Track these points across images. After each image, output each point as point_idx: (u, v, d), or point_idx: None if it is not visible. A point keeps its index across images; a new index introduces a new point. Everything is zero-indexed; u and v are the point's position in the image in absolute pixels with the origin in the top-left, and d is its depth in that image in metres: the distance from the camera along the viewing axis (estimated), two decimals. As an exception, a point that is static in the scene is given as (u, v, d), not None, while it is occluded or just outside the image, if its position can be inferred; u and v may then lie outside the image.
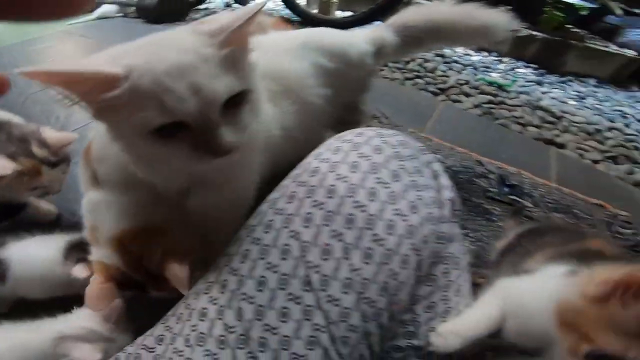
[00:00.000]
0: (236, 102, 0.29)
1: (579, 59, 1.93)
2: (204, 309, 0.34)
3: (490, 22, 0.62)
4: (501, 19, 0.63)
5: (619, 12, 1.94)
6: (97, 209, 0.43)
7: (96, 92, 0.26)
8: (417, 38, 0.63)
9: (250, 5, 0.29)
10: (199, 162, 0.30)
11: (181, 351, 0.32)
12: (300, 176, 0.36)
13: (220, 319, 0.32)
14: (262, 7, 0.28)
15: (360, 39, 0.60)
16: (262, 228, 0.34)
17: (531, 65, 1.94)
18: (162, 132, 0.28)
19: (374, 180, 0.34)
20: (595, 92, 1.84)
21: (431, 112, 1.33)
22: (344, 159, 0.34)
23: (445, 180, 0.40)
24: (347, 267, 0.32)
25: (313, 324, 0.31)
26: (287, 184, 0.37)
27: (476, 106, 1.46)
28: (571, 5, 1.86)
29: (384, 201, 0.33)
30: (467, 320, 0.40)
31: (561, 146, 1.34)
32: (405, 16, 0.63)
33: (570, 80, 1.89)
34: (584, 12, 1.90)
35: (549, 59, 1.93)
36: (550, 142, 1.35)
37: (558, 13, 1.84)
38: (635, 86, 2.04)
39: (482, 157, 1.12)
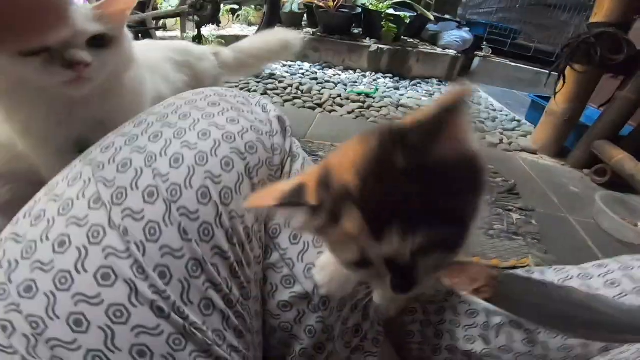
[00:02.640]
0: (103, 44, 0.41)
1: (419, 64, 2.36)
2: None
3: (286, 39, 0.88)
4: (292, 35, 0.88)
5: (432, 17, 2.50)
6: None
7: None
8: (248, 55, 0.87)
9: None
10: (55, 75, 0.38)
11: None
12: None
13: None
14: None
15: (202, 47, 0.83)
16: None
17: (387, 75, 2.28)
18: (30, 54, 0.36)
19: (176, 117, 0.31)
20: (439, 88, 2.25)
21: (311, 123, 1.43)
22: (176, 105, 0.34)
23: (272, 107, 0.38)
24: (151, 174, 0.26)
25: (105, 246, 0.23)
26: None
27: (349, 112, 1.63)
28: (398, 16, 2.32)
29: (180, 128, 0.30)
30: None
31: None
32: (241, 43, 0.89)
33: (419, 82, 2.28)
34: (407, 21, 2.38)
35: (398, 67, 2.31)
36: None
37: (392, 25, 2.28)
38: (466, 79, 2.56)
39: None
